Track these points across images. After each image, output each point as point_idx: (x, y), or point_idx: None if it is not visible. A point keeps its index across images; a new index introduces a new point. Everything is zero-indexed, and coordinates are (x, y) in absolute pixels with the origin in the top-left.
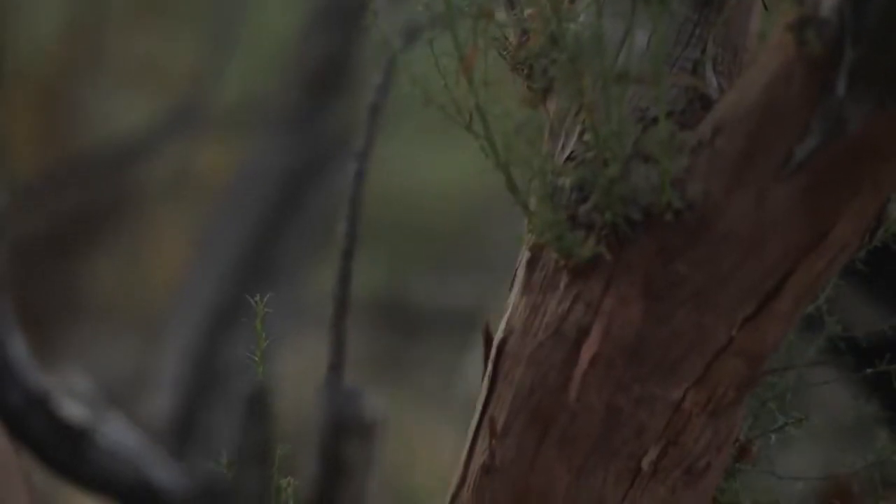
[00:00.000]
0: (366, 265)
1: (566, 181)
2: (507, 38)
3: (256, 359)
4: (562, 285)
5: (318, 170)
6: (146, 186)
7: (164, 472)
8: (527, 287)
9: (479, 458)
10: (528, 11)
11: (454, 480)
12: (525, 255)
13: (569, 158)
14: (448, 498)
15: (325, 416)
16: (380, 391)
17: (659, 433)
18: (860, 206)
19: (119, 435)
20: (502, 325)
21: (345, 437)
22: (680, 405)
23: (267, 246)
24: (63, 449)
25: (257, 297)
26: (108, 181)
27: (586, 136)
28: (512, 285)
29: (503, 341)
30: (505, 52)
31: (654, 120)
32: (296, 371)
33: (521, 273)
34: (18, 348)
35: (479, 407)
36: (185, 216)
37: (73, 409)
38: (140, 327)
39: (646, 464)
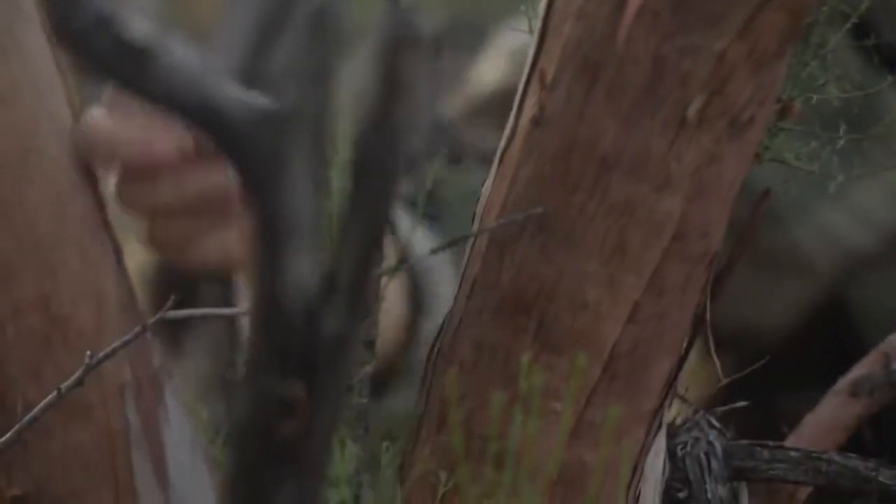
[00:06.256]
0: None
1: None
2: None
3: None
4: None
5: None
6: None
7: (227, 93)
8: None
9: (529, 111)
10: None
11: (503, 136)
12: None
13: None
14: (497, 154)
15: (383, 34)
16: None
17: (703, 83)
18: None
19: (184, 56)
20: None
21: (401, 54)
22: (724, 55)
23: None
24: (127, 67)
25: None
26: None
27: None
28: None
29: None
30: None
31: None
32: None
33: None
34: None
35: (528, 62)
36: None
37: (137, 30)
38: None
39: (691, 112)
